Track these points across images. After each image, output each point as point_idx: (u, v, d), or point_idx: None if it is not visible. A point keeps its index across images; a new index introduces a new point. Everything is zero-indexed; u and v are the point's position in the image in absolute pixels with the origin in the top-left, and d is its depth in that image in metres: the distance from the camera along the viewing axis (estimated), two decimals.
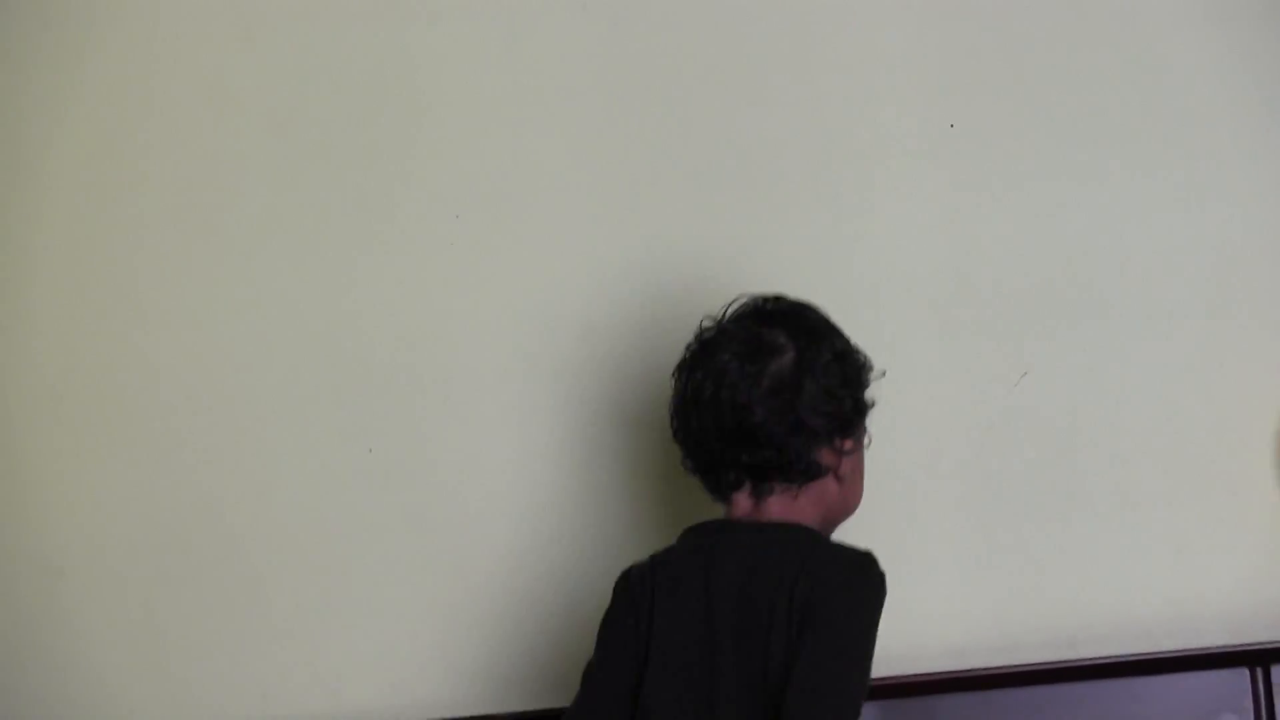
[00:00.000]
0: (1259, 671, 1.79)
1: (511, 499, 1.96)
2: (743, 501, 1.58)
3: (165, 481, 2.00)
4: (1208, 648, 1.81)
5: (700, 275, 1.95)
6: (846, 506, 1.62)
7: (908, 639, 1.85)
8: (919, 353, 1.94)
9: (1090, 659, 1.82)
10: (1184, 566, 1.90)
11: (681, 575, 1.57)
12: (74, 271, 2.03)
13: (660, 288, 1.97)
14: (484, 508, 1.96)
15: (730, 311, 1.60)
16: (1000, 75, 1.96)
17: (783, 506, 1.56)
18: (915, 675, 1.85)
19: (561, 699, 1.81)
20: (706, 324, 1.61)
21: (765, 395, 1.54)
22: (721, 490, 1.59)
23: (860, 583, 1.52)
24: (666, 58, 2.00)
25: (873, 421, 1.69)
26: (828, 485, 1.58)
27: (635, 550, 1.83)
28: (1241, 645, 1.80)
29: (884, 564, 1.57)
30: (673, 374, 1.61)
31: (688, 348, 1.61)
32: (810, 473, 1.55)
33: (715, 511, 1.61)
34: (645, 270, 1.99)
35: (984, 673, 1.84)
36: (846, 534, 1.76)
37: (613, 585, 1.60)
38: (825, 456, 1.55)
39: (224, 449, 1.99)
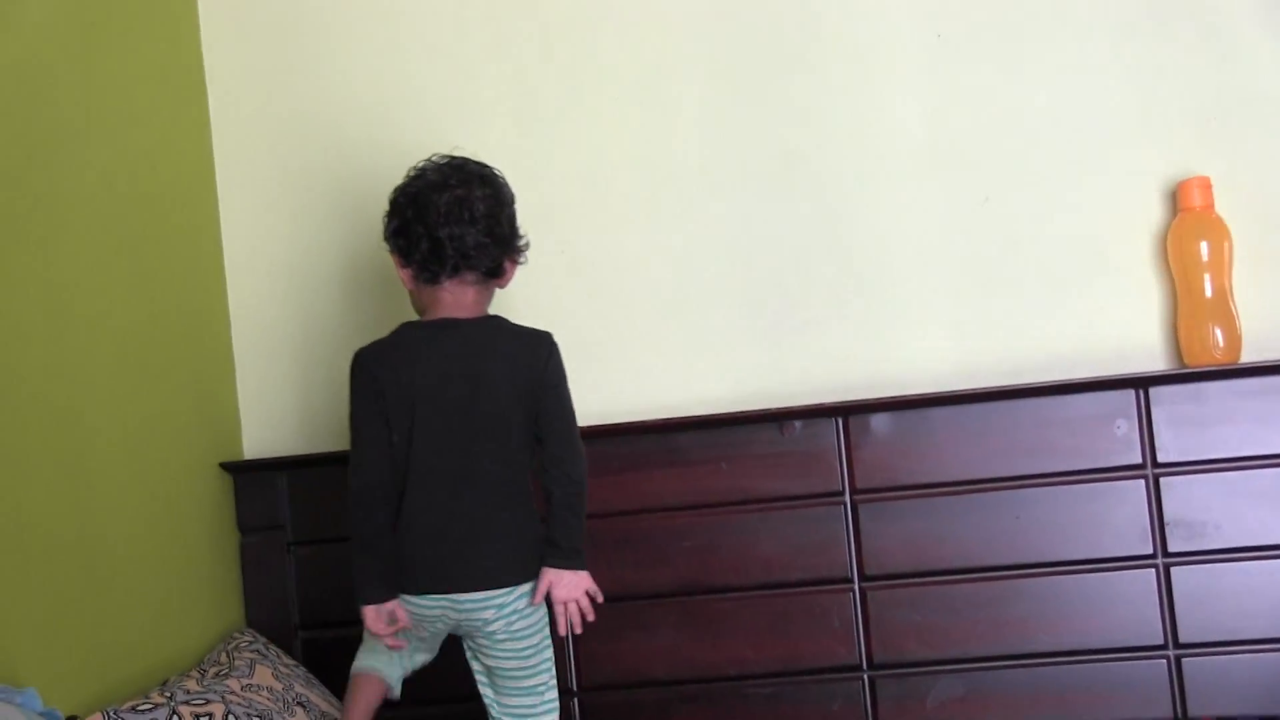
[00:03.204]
0: (1141, 392, 2.43)
1: None
2: (468, 290, 2.01)
3: None
4: (1107, 376, 2.43)
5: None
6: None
7: (912, 371, 2.50)
8: (913, 181, 2.55)
9: (1030, 383, 2.44)
10: (1089, 323, 2.50)
11: (417, 353, 1.98)
12: None
13: None
14: None
15: (442, 161, 2.05)
16: None
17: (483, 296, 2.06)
18: (919, 395, 2.44)
19: None
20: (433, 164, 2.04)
21: (504, 214, 2.04)
22: (448, 276, 1.99)
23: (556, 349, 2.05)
24: None
25: (879, 229, 2.37)
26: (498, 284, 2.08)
27: None
28: (1129, 374, 2.42)
29: (893, 325, 2.29)
30: (410, 196, 2.03)
31: (425, 179, 2.03)
32: (498, 273, 2.06)
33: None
34: None
35: (961, 393, 2.44)
36: (891, 303, 2.46)
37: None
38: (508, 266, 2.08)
39: None
